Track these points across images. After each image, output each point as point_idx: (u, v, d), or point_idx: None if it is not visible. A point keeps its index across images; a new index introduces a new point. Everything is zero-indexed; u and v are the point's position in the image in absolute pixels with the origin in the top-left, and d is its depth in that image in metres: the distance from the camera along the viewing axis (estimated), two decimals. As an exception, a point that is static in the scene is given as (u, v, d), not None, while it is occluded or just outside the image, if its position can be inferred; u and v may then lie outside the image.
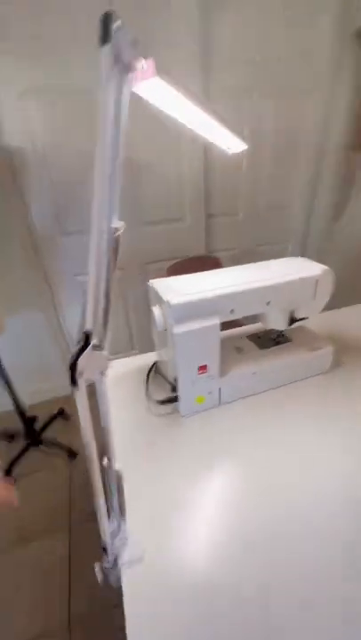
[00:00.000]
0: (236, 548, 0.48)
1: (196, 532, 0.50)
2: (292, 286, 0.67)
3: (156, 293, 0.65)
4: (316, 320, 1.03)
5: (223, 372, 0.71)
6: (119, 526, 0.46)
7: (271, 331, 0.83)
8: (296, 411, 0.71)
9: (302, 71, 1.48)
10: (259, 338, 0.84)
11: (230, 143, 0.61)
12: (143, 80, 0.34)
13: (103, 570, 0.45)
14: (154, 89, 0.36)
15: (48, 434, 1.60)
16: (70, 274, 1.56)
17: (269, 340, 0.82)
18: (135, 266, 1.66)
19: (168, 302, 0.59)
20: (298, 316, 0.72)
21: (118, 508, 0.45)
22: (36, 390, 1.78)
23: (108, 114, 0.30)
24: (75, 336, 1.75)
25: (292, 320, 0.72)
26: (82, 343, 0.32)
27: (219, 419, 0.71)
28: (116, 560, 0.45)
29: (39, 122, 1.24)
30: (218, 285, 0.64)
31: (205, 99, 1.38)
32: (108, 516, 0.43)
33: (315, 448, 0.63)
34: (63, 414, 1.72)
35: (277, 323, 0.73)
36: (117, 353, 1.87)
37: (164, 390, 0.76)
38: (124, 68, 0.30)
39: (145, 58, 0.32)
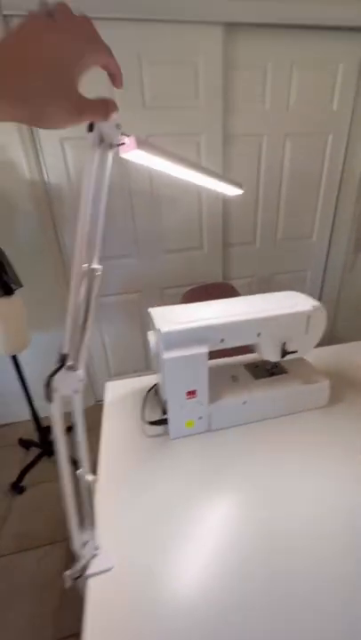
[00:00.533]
0: (212, 572, 0.49)
1: (168, 550, 0.52)
2: (282, 320, 0.70)
3: (152, 320, 0.70)
4: (322, 353, 1.04)
5: (213, 398, 0.74)
6: (90, 536, 0.49)
7: (268, 361, 0.84)
8: (287, 443, 0.71)
9: (317, 114, 1.55)
10: (256, 367, 0.86)
11: (224, 190, 0.67)
12: (128, 151, 0.41)
13: (72, 577, 0.48)
14: (138, 156, 0.44)
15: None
16: (93, 295, 1.68)
17: (265, 371, 0.83)
18: (153, 290, 1.75)
19: (159, 330, 0.64)
20: (289, 349, 0.74)
21: (89, 518, 0.49)
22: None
23: (90, 180, 0.37)
24: (93, 351, 1.84)
25: (285, 353, 0.74)
26: (59, 364, 0.38)
27: (207, 444, 0.73)
28: (84, 569, 0.49)
29: (73, 162, 1.41)
30: (209, 316, 0.69)
31: (224, 142, 1.49)
32: (80, 525, 0.47)
33: (299, 482, 0.62)
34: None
35: (270, 354, 0.75)
36: (135, 371, 1.93)
37: (158, 412, 0.79)
38: (106, 145, 0.38)
39: (128, 136, 0.40)
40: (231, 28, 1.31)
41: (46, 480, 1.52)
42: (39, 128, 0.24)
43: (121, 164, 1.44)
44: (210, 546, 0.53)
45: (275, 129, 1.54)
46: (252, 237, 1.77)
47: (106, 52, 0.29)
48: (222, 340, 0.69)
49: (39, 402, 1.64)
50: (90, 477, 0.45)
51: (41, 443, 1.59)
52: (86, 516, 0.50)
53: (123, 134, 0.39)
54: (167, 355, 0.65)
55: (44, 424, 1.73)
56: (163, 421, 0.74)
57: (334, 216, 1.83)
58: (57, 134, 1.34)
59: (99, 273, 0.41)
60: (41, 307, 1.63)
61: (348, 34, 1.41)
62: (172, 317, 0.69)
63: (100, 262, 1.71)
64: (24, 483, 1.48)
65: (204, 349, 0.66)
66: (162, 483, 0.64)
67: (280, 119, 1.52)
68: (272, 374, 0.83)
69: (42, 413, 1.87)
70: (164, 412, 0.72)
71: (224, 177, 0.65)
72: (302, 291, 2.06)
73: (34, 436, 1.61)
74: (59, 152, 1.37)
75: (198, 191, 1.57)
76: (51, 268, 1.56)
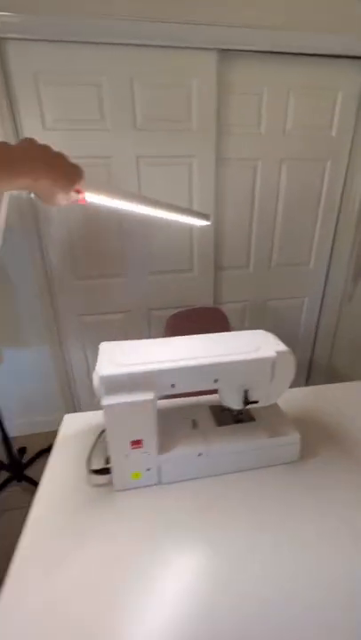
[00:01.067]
0: None
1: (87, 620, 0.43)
2: (241, 366, 0.62)
3: (98, 358, 0.64)
4: (301, 394, 0.95)
5: (164, 448, 0.66)
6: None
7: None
8: (247, 501, 0.63)
9: (315, 140, 1.51)
10: (222, 411, 0.78)
11: (190, 222, 0.62)
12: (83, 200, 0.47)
13: None
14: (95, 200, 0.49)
15: (33, 470, 1.59)
16: (76, 314, 1.64)
17: (230, 417, 0.75)
18: (140, 310, 1.70)
19: (98, 372, 0.58)
20: (251, 397, 0.66)
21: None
22: (31, 422, 1.81)
23: None
24: (76, 372, 1.78)
25: (247, 402, 0.66)
26: None
27: (156, 499, 0.65)
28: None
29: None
30: (160, 358, 0.62)
31: (217, 165, 1.46)
32: None
33: (256, 543, 0.53)
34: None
35: (231, 402, 0.68)
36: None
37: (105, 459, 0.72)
38: None
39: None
40: (226, 53, 1.30)
41: (13, 507, 1.43)
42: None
43: (108, 184, 1.42)
44: (151, 620, 0.44)
45: (270, 154, 1.50)
46: (245, 261, 1.71)
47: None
48: (173, 386, 0.62)
49: (10, 420, 1.58)
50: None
51: (10, 466, 1.51)
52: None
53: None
54: (107, 400, 0.58)
55: (16, 444, 1.66)
56: (107, 470, 0.66)
57: (333, 243, 1.76)
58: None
59: None
60: (18, 321, 1.60)
61: (347, 61, 1.39)
62: (119, 356, 0.63)
63: (87, 280, 1.69)
64: (-12, 509, 1.40)
65: (150, 396, 0.59)
66: (98, 542, 0.56)
67: (276, 144, 1.49)
68: (238, 421, 0.74)
69: (20, 432, 1.80)
70: (107, 461, 0.65)
71: (187, 210, 0.60)
72: (298, 319, 1.97)
73: (4, 457, 1.54)
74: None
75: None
76: (33, 285, 1.53)
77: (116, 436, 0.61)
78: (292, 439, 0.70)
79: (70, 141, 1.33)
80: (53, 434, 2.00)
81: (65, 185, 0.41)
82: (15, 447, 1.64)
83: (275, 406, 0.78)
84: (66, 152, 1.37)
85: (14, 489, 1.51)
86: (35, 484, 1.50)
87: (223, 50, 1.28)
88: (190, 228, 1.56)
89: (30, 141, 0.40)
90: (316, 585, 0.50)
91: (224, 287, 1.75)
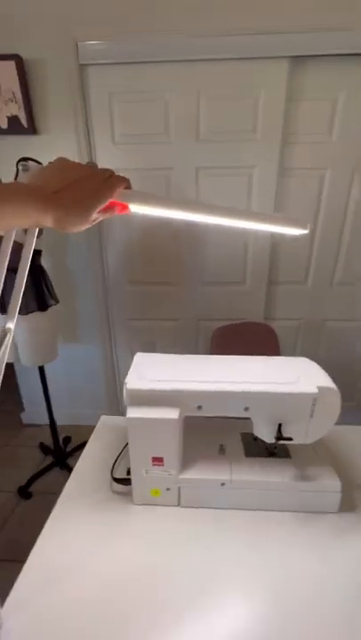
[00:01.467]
0: None
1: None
2: (275, 399, 0.57)
3: (131, 368, 0.64)
4: (350, 435, 0.83)
5: (187, 470, 0.63)
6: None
7: (267, 437, 0.70)
8: (268, 542, 0.57)
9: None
10: (254, 440, 0.72)
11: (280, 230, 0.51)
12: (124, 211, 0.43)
13: None
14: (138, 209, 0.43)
15: (74, 459, 1.69)
16: (128, 318, 1.71)
17: (263, 449, 0.69)
18: (189, 320, 1.70)
19: (126, 384, 0.58)
20: (285, 433, 0.60)
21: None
22: (78, 414, 1.93)
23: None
24: (122, 374, 1.85)
25: (280, 437, 0.60)
26: None
27: (173, 521, 0.63)
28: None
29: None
30: (190, 377, 0.60)
31: (279, 175, 1.39)
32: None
33: (269, 580, 0.48)
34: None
35: (262, 433, 0.62)
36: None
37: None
38: None
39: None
40: (297, 60, 1.24)
41: (53, 491, 1.54)
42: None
43: (166, 192, 1.46)
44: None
45: (341, 162, 1.38)
46: (303, 277, 1.59)
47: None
48: (200, 408, 0.59)
49: (59, 409, 1.70)
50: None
51: (55, 452, 1.63)
52: None
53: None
54: (131, 413, 0.58)
55: (63, 433, 1.78)
56: (128, 481, 0.66)
57: None
58: (112, 165, 1.42)
59: (9, 335, 0.37)
60: (76, 320, 1.72)
61: None
62: (150, 370, 0.63)
63: (140, 286, 1.74)
64: (32, 489, 1.53)
65: (175, 415, 0.57)
66: (107, 549, 0.56)
67: (348, 151, 1.36)
68: (271, 454, 0.68)
69: (67, 421, 1.94)
70: (129, 472, 0.65)
71: (281, 218, 0.48)
72: (357, 344, 1.76)
73: (50, 443, 1.67)
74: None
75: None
76: (92, 285, 1.64)
77: (137, 450, 0.60)
78: (331, 486, 0.62)
79: (135, 154, 1.40)
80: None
81: (77, 219, 0.35)
82: (61, 435, 1.77)
83: (320, 444, 0.70)
84: (129, 164, 1.44)
85: (56, 474, 1.62)
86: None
87: (295, 57, 1.22)
88: (246, 241, 1.52)
89: (49, 168, 0.36)
90: None
91: (277, 302, 1.65)
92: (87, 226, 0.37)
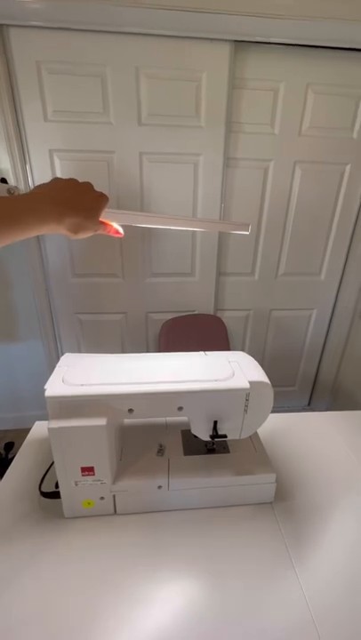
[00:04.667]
0: None
1: None
2: (209, 396, 0.55)
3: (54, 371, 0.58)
4: (297, 420, 0.86)
5: (120, 476, 0.60)
6: None
7: (207, 433, 0.69)
8: (204, 543, 0.56)
9: (334, 142, 1.40)
10: (195, 437, 0.71)
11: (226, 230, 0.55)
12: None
13: None
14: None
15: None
16: (72, 311, 1.60)
17: (202, 446, 0.68)
18: (138, 312, 1.64)
19: (45, 390, 0.52)
20: (222, 429, 0.58)
21: None
22: (22, 417, 1.80)
23: None
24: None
25: (216, 434, 0.59)
26: None
27: (108, 530, 0.59)
28: None
29: (62, 174, 1.35)
30: (119, 379, 0.55)
31: (225, 165, 1.37)
32: None
33: (212, 587, 0.46)
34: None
35: (199, 431, 0.60)
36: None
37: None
38: None
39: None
40: (240, 45, 1.21)
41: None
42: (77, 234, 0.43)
43: (106, 179, 1.37)
44: None
45: (284, 155, 1.40)
46: (250, 269, 1.62)
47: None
48: (131, 411, 0.55)
49: (6, 413, 1.56)
50: None
51: (-5, 461, 1.50)
52: None
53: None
54: (53, 423, 0.52)
55: (5, 439, 1.65)
56: (55, 495, 0.61)
57: (347, 254, 1.64)
58: (46, 146, 1.29)
59: None
60: (13, 316, 1.57)
61: (375, 57, 1.26)
62: (76, 372, 0.57)
63: (85, 278, 1.64)
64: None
65: (102, 422, 0.53)
66: (40, 570, 0.51)
67: (290, 145, 1.39)
68: (210, 450, 0.67)
69: (9, 425, 1.79)
70: (57, 485, 0.59)
71: (226, 223, 0.58)
72: (305, 331, 1.86)
73: (-9, 452, 1.53)
74: (47, 163, 1.31)
75: (194, 214, 1.46)
76: (29, 279, 1.50)
77: (63, 462, 0.55)
78: (267, 478, 0.62)
79: (71, 134, 1.28)
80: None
81: (88, 223, 0.43)
82: (3, 442, 1.63)
83: (255, 437, 0.70)
84: (66, 144, 1.32)
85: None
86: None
87: (237, 41, 1.19)
88: (193, 232, 1.49)
89: (56, 183, 0.43)
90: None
91: (226, 294, 1.66)
92: (93, 233, 0.45)
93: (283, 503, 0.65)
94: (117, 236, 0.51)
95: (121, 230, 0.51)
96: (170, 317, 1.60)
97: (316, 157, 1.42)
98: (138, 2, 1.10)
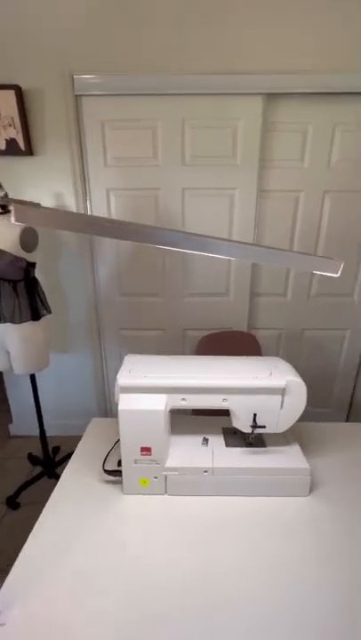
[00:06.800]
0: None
1: (78, 605, 0.49)
2: (250, 390, 0.65)
3: (121, 367, 0.71)
4: (335, 430, 0.91)
5: (172, 460, 0.70)
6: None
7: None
8: (246, 526, 0.63)
9: (359, 172, 1.51)
10: (234, 433, 0.80)
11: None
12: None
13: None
14: (23, 219, 0.48)
15: (63, 469, 1.71)
16: (118, 327, 1.78)
17: (241, 440, 0.77)
18: (176, 329, 1.78)
19: (117, 380, 0.65)
20: (259, 422, 0.67)
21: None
22: (69, 424, 1.95)
23: None
24: (111, 382, 1.90)
25: (255, 425, 0.68)
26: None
27: (158, 508, 0.68)
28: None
29: (116, 209, 1.57)
30: (175, 373, 0.67)
31: (258, 196, 1.52)
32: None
33: (247, 565, 0.54)
34: (83, 454, 1.82)
35: (240, 423, 0.70)
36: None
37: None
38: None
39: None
40: (271, 96, 1.39)
41: (42, 501, 1.54)
42: None
43: (149, 209, 1.56)
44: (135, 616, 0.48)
45: (313, 186, 1.53)
46: (282, 289, 1.71)
47: None
48: (184, 400, 0.66)
49: (49, 420, 1.73)
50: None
51: (44, 462, 1.64)
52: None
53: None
54: (122, 406, 0.65)
55: (52, 443, 1.80)
56: (118, 473, 0.72)
57: (380, 275, 1.68)
58: (104, 185, 1.53)
59: None
60: (67, 330, 1.77)
61: None
62: (139, 368, 0.70)
63: (130, 297, 1.85)
64: (20, 499, 1.53)
65: (161, 407, 0.64)
66: (100, 535, 0.61)
67: (320, 176, 1.51)
68: (249, 445, 0.76)
69: (55, 432, 1.95)
70: (119, 464, 0.71)
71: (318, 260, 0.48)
72: (338, 352, 1.88)
73: (40, 453, 1.68)
74: (104, 199, 1.55)
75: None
76: (83, 297, 1.71)
77: (127, 442, 0.67)
78: (302, 469, 0.69)
79: (125, 175, 1.51)
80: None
81: None
82: (50, 445, 1.78)
83: (291, 435, 0.77)
84: (120, 184, 1.54)
85: (45, 484, 1.63)
86: (63, 482, 1.60)
87: (268, 94, 1.38)
88: (229, 255, 1.63)
89: None
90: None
91: (260, 313, 1.75)
92: None
93: (322, 498, 0.70)
94: None
95: None
96: (205, 334, 1.72)
97: (345, 186, 1.53)
98: (183, 70, 1.33)
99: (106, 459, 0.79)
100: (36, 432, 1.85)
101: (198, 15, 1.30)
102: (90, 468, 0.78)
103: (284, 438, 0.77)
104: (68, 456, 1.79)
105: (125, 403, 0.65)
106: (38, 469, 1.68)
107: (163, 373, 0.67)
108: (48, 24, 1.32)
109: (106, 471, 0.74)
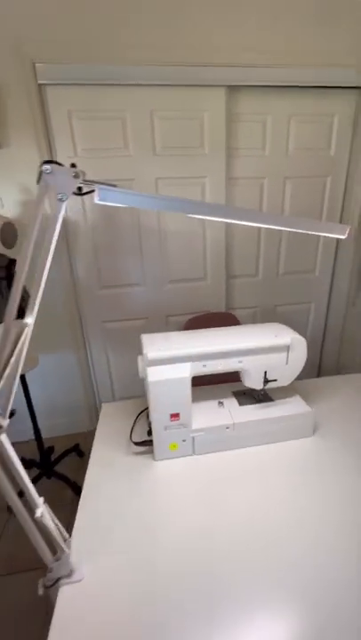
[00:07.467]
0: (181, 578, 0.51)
1: (136, 558, 0.54)
2: (262, 351, 0.75)
3: (142, 346, 0.77)
4: (316, 383, 1.06)
5: (197, 421, 0.77)
6: (62, 550, 0.52)
7: (255, 389, 0.88)
8: (270, 470, 0.73)
9: (315, 159, 1.68)
10: (243, 394, 0.89)
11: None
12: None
13: (45, 586, 0.51)
14: (106, 199, 0.51)
15: (61, 467, 1.69)
16: (100, 320, 1.78)
17: (251, 398, 0.87)
18: (158, 317, 1.83)
19: (146, 355, 0.70)
20: (270, 377, 0.77)
21: (60, 535, 0.52)
22: (57, 424, 1.93)
23: (35, 232, 0.45)
24: (98, 375, 1.91)
25: (266, 381, 0.78)
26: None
27: (188, 468, 0.76)
28: (58, 580, 0.52)
29: (90, 202, 1.57)
30: (193, 344, 0.74)
31: (227, 184, 1.62)
32: (64, 540, 0.50)
33: (279, 505, 0.64)
34: (78, 450, 1.82)
35: (252, 382, 0.79)
36: (140, 397, 1.97)
37: (145, 434, 0.83)
38: (58, 195, 0.46)
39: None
40: (233, 88, 1.48)
41: (45, 501, 1.53)
42: None
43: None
44: (184, 564, 0.55)
45: (275, 172, 1.66)
46: (254, 270, 1.85)
47: None
48: (205, 366, 0.74)
49: (43, 421, 1.69)
50: (38, 513, 0.49)
51: (41, 463, 1.61)
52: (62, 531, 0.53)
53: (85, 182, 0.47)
54: (152, 378, 0.70)
55: (47, 444, 1.77)
56: (148, 442, 0.78)
57: (336, 253, 1.89)
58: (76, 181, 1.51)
59: (29, 327, 0.47)
60: (48, 328, 1.74)
61: (340, 91, 1.56)
62: (160, 344, 0.75)
63: (109, 290, 1.84)
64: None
65: (187, 374, 0.71)
66: (141, 500, 0.67)
67: (280, 164, 1.65)
68: (259, 401, 0.86)
69: (45, 433, 1.91)
70: (149, 433, 0.76)
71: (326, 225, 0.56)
72: (306, 323, 2.08)
73: (37, 455, 1.65)
74: (77, 197, 1.53)
75: (203, 226, 1.69)
76: (61, 294, 1.68)
77: (157, 410, 0.73)
78: (306, 413, 0.81)
79: (98, 166, 1.51)
80: (75, 436, 2.13)
81: None
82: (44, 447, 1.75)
83: (290, 390, 0.89)
84: (92, 175, 1.54)
85: (44, 485, 1.61)
86: (64, 478, 1.60)
87: (231, 86, 1.47)
88: (204, 241, 1.72)
89: None
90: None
91: (235, 294, 1.88)
92: None
93: (325, 436, 0.83)
94: None
95: None
96: (187, 319, 1.80)
97: (303, 173, 1.69)
98: (146, 60, 1.37)
99: (131, 433, 0.84)
100: (25, 437, 1.81)
101: (164, 6, 1.33)
102: (115, 447, 0.83)
103: (286, 393, 0.88)
104: (63, 455, 1.79)
105: (155, 375, 0.70)
106: (35, 472, 1.65)
107: (183, 344, 0.73)
108: (3, 9, 1.26)
109: (135, 443, 0.79)
